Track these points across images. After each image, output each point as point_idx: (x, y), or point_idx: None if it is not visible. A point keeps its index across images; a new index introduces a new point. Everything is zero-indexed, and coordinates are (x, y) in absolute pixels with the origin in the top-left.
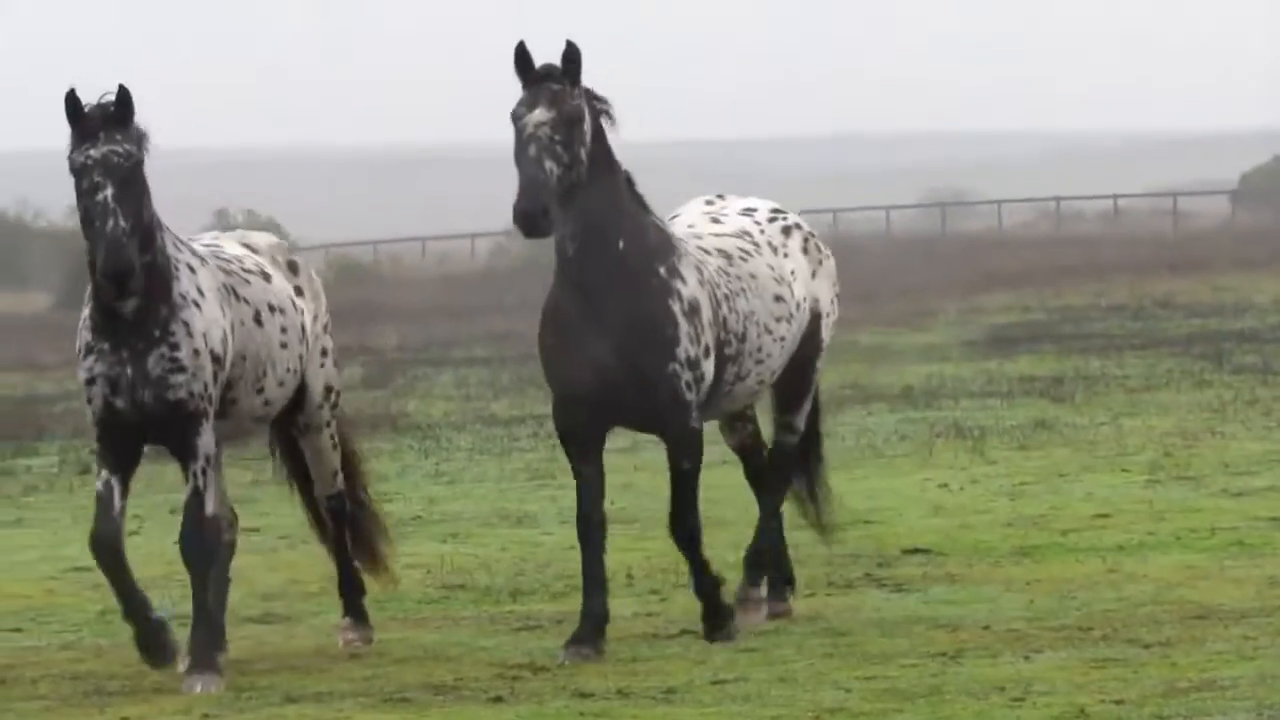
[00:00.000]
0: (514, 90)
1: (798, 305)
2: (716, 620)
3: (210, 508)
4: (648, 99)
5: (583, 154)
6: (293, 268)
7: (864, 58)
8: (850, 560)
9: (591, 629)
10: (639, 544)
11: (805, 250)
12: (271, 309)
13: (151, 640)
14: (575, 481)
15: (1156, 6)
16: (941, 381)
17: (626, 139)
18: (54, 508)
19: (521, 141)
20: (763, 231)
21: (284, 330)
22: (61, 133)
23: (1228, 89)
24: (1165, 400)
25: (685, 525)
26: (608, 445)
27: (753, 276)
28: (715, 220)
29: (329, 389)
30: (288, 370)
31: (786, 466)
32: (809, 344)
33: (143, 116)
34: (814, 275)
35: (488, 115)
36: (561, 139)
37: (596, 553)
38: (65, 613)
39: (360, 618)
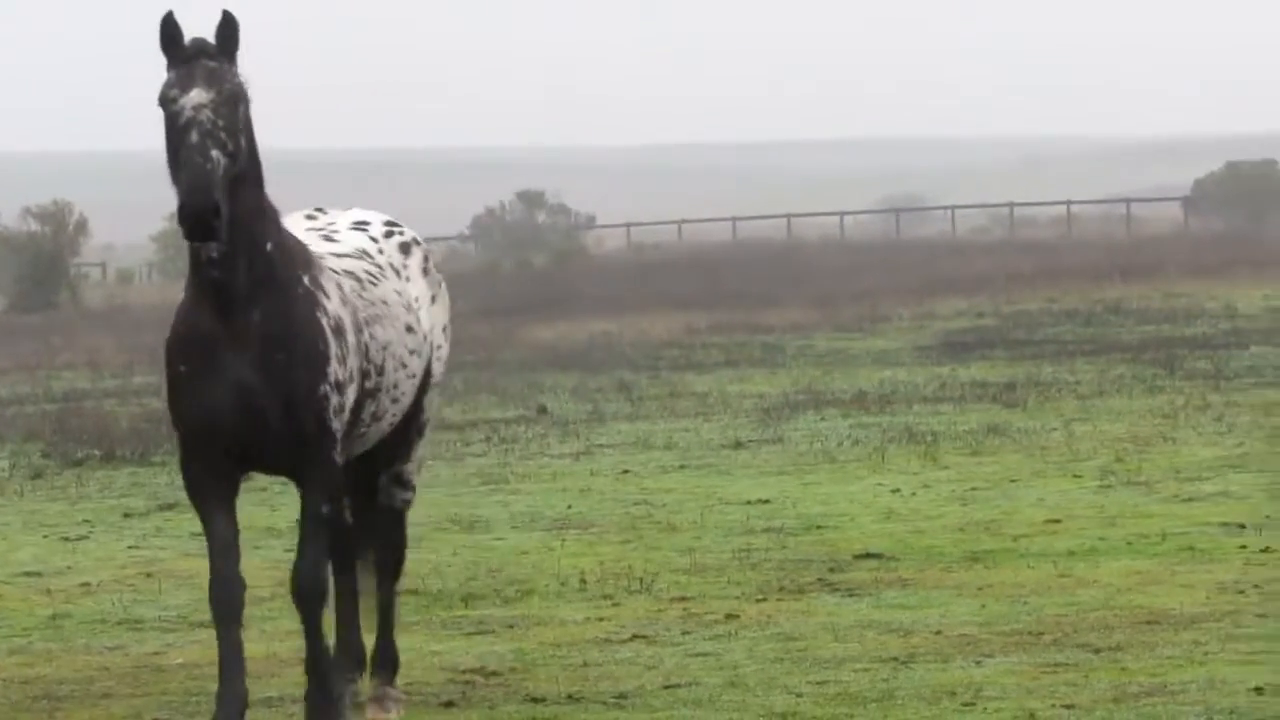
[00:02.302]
0: (464, 96)
1: (424, 336)
2: (319, 701)
3: None
4: (607, 104)
5: (244, 141)
6: None
7: (825, 63)
8: (802, 565)
9: (230, 715)
10: (593, 549)
11: (425, 272)
12: None
13: None
14: (208, 539)
15: (1112, 16)
16: (894, 386)
17: (596, 143)
18: (4, 512)
19: (178, 128)
20: (381, 251)
21: None
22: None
23: (1182, 97)
24: (1117, 406)
25: (312, 579)
26: (558, 451)
27: (384, 303)
28: (328, 239)
29: None
30: None
31: (402, 536)
32: (425, 380)
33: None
34: (433, 300)
35: (426, 122)
36: (225, 123)
37: (235, 625)
38: (15, 617)
39: None
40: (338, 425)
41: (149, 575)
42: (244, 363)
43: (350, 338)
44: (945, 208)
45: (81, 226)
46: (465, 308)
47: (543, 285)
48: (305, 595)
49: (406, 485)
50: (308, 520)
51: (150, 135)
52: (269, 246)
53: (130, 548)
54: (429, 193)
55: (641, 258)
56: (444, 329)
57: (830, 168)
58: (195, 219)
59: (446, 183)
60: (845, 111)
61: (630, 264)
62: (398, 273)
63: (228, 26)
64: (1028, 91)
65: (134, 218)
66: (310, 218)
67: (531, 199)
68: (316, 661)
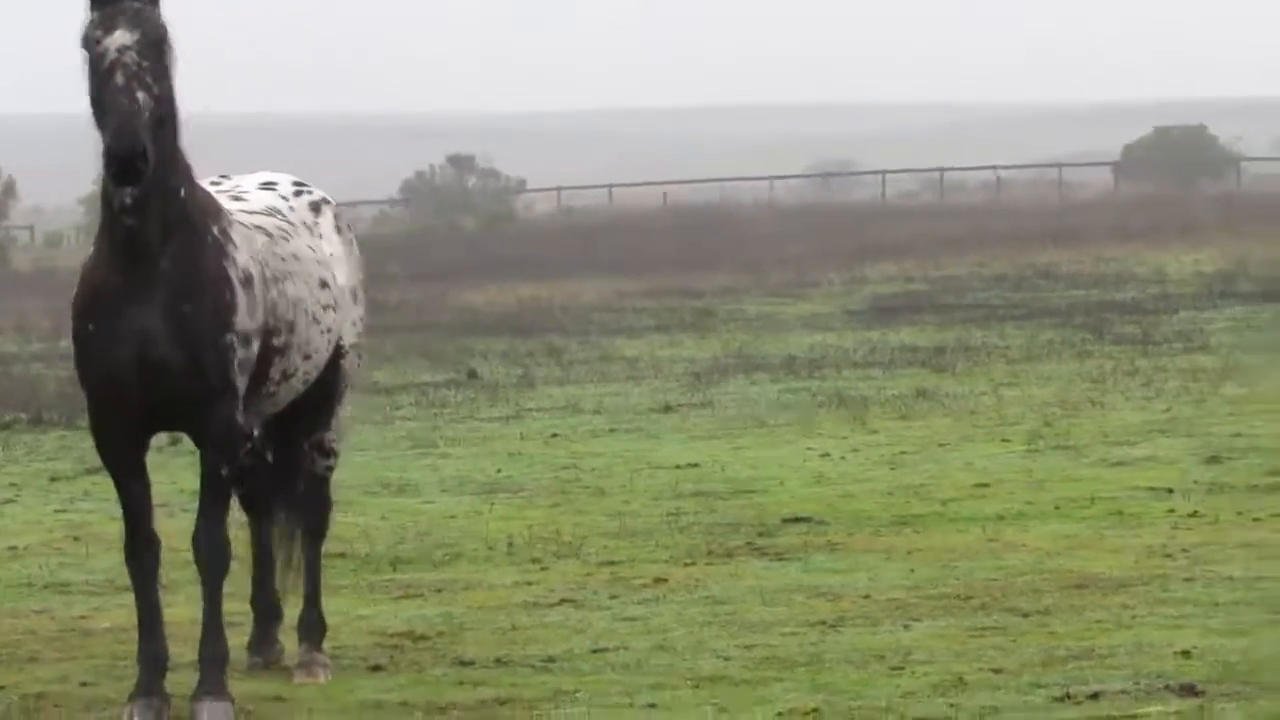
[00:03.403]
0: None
1: (341, 292)
2: (208, 686)
3: None
4: (535, 68)
5: (169, 85)
6: None
7: (754, 28)
8: (731, 529)
9: (151, 676)
10: (521, 513)
11: (338, 229)
12: None
13: None
14: (121, 500)
15: None
16: (824, 351)
17: (537, 108)
18: None
19: (104, 71)
20: (292, 209)
21: None
22: None
23: (1111, 62)
24: (1046, 371)
25: (211, 545)
26: (487, 414)
27: (296, 258)
28: (236, 199)
29: None
30: None
31: (326, 502)
32: (340, 341)
33: None
34: (347, 257)
35: (361, 85)
36: (150, 66)
37: (153, 584)
38: None
39: None
40: (241, 382)
41: (76, 539)
42: (149, 314)
43: (257, 291)
44: (875, 172)
45: (9, 189)
46: (396, 271)
47: (473, 249)
48: (206, 560)
49: (328, 453)
50: (207, 483)
51: (79, 98)
52: (182, 193)
53: (57, 511)
54: (372, 157)
55: (572, 222)
56: (354, 291)
57: (749, 134)
58: (123, 162)
59: (379, 147)
60: (767, 78)
61: (561, 228)
62: (310, 229)
63: None
64: (958, 57)
65: (62, 181)
66: (215, 183)
67: (461, 163)
68: (212, 634)
